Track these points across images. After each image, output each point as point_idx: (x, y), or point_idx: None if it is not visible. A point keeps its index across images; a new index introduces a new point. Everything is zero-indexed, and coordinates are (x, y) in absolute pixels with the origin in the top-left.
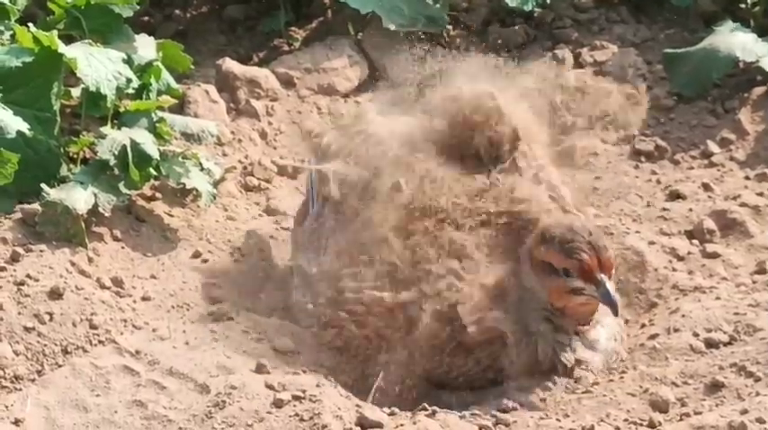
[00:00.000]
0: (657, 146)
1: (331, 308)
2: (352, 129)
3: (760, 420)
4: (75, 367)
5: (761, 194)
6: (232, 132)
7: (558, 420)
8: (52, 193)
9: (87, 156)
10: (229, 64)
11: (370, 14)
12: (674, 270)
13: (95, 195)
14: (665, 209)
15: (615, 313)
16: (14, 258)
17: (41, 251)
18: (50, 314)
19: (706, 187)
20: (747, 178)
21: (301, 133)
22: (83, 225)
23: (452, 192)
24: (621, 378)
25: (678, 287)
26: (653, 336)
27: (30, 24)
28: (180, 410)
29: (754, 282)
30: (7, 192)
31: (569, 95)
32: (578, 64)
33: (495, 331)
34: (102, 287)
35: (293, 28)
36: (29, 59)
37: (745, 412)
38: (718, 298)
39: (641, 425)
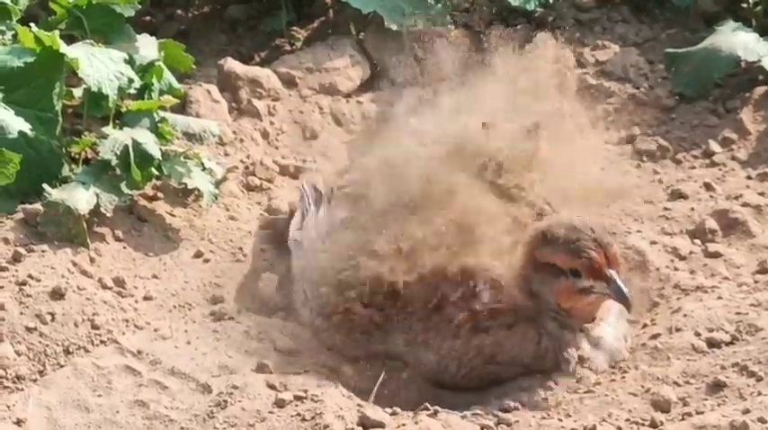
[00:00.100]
0: (659, 145)
1: (335, 293)
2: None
3: (762, 420)
4: (77, 367)
5: (762, 194)
6: (234, 132)
7: (559, 420)
8: (54, 194)
9: (89, 156)
10: (231, 64)
11: (371, 14)
12: (675, 269)
13: (97, 195)
14: (666, 208)
15: (629, 309)
16: (16, 258)
17: (43, 251)
18: (52, 314)
19: (708, 187)
20: (749, 178)
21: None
22: (84, 225)
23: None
24: (623, 377)
25: (680, 287)
26: (655, 336)
27: (31, 24)
28: (182, 410)
29: (755, 282)
30: (9, 193)
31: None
32: (580, 64)
33: (507, 302)
34: (104, 287)
35: (295, 28)
36: (30, 59)
37: (746, 411)
38: (719, 297)
39: (643, 424)
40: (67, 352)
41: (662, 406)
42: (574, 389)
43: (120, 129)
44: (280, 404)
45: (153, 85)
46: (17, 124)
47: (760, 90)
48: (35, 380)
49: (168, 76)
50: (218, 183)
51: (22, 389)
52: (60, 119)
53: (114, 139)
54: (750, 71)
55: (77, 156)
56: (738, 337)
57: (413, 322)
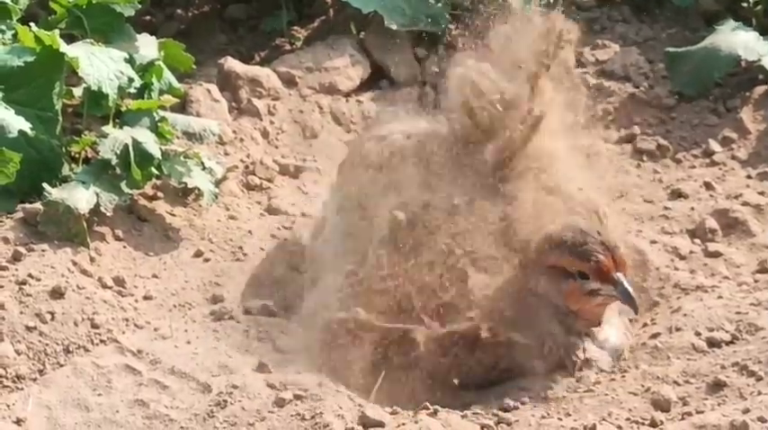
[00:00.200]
0: (659, 145)
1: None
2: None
3: (762, 419)
4: (77, 366)
5: (762, 193)
6: (234, 131)
7: (559, 419)
8: (54, 193)
9: (89, 155)
10: (231, 63)
11: (371, 14)
12: (675, 269)
13: (97, 195)
14: (666, 208)
15: (636, 311)
16: (16, 257)
17: (43, 250)
18: (52, 313)
19: (708, 186)
20: (749, 177)
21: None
22: (84, 224)
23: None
24: (623, 377)
25: (680, 286)
26: (655, 335)
27: (31, 24)
28: (181, 409)
29: (755, 281)
30: (9, 192)
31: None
32: (580, 63)
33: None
34: (104, 286)
35: (295, 27)
36: (31, 59)
37: (746, 411)
38: (719, 297)
39: (643, 424)
40: (67, 351)
41: (662, 405)
42: (574, 388)
43: (120, 128)
44: (279, 403)
45: (153, 84)
46: (17, 123)
47: (760, 89)
48: (35, 380)
49: (168, 76)
50: (218, 183)
51: (22, 389)
52: (60, 118)
53: (114, 139)
54: (750, 70)
55: (77, 156)
56: (738, 337)
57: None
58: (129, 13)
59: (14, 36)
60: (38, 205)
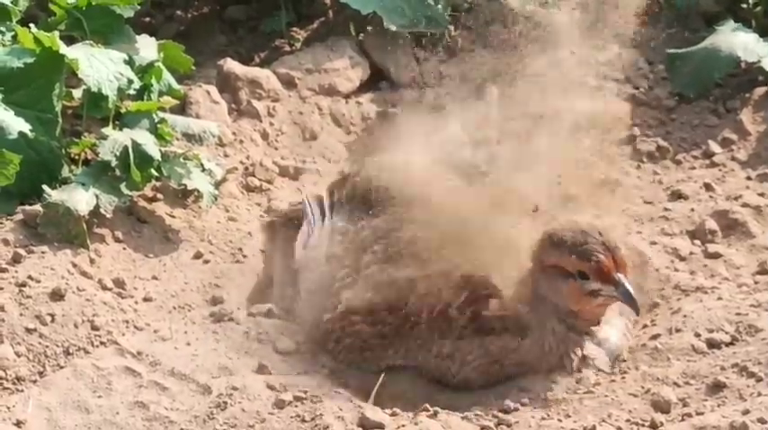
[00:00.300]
0: (659, 146)
1: (339, 319)
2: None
3: (761, 420)
4: (77, 368)
5: (762, 194)
6: (233, 133)
7: (559, 420)
8: (54, 195)
9: (89, 157)
10: (231, 64)
11: (371, 15)
12: (675, 270)
13: (97, 196)
14: (666, 209)
15: (637, 312)
16: (16, 259)
17: (43, 252)
18: (52, 315)
19: (708, 187)
20: (749, 178)
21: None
22: (84, 226)
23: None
24: (623, 378)
25: (680, 287)
26: (655, 337)
27: (31, 25)
28: (181, 411)
29: (755, 283)
30: (9, 194)
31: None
32: (580, 64)
33: (513, 311)
34: (104, 288)
35: (294, 28)
36: (30, 60)
37: (746, 412)
38: (719, 298)
39: (643, 425)
40: (67, 353)
41: (662, 406)
42: (573, 389)
43: (120, 130)
44: (279, 405)
45: (152, 85)
46: (17, 125)
47: (760, 90)
48: (35, 382)
49: (168, 77)
50: (217, 184)
51: (22, 391)
52: (60, 120)
53: (114, 140)
54: (750, 71)
55: (77, 157)
56: (738, 338)
57: (420, 330)
58: (128, 14)
59: (14, 37)
60: (38, 207)
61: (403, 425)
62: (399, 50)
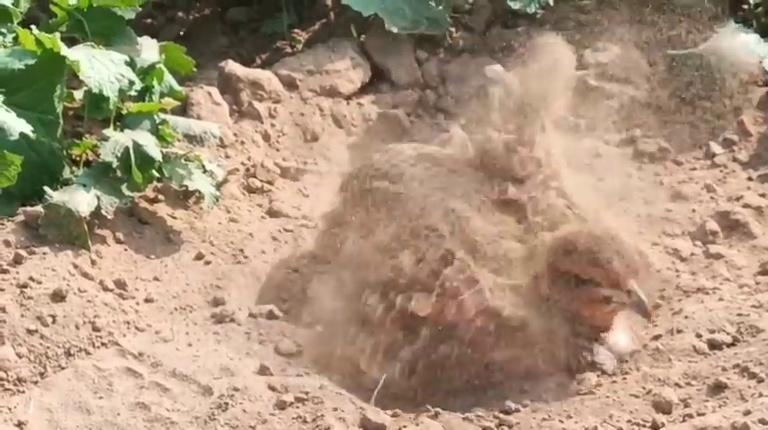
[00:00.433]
0: (660, 147)
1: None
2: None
3: (763, 421)
4: (78, 369)
5: (763, 195)
6: (235, 134)
7: (560, 421)
8: (55, 196)
9: (90, 158)
10: (232, 66)
11: (372, 17)
12: (677, 271)
13: (98, 197)
14: (667, 210)
15: (648, 319)
16: (17, 261)
17: (44, 253)
18: (53, 316)
19: (709, 188)
20: (750, 179)
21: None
22: (85, 227)
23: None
24: (624, 379)
25: (681, 288)
26: (656, 337)
27: (32, 27)
28: (183, 412)
29: (757, 283)
30: (10, 195)
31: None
32: (581, 65)
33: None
34: (105, 289)
35: (296, 30)
36: (31, 62)
37: (748, 413)
38: (721, 299)
39: (644, 426)
40: (68, 354)
41: (663, 407)
42: (575, 390)
43: (121, 131)
44: (281, 406)
45: (154, 87)
46: (18, 126)
47: (761, 91)
48: (36, 383)
49: (169, 79)
50: (218, 186)
51: (24, 392)
52: (61, 121)
53: (115, 142)
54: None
55: (78, 159)
56: (739, 339)
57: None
58: (129, 16)
59: (15, 39)
60: (39, 208)
61: (404, 426)
62: (400, 52)
